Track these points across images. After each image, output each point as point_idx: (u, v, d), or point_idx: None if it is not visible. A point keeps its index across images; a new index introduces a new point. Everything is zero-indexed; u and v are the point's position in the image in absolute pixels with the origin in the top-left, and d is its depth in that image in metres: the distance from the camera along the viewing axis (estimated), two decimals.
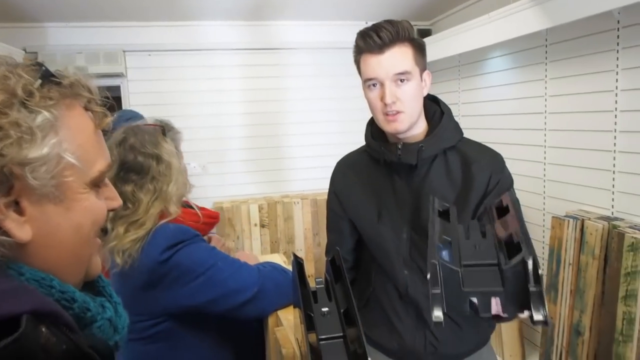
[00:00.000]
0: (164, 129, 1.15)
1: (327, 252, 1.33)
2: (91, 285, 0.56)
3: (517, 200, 1.10)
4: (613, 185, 2.05)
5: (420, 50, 1.10)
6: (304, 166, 3.50)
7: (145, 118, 2.75)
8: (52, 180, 0.47)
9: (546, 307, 0.66)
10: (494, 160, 1.15)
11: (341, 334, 0.73)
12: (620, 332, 1.80)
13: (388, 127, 1.10)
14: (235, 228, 3.19)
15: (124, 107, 3.25)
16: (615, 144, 2.02)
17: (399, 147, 1.11)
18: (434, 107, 1.18)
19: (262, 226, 3.24)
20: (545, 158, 2.42)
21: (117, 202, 0.56)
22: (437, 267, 0.68)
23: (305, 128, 3.50)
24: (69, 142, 0.48)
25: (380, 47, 1.06)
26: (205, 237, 1.29)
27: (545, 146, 2.42)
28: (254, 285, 1.04)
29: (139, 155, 1.05)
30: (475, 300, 0.69)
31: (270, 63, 3.42)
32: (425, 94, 1.13)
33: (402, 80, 1.06)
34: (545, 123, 2.41)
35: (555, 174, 2.38)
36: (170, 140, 1.12)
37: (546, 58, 2.37)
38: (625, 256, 1.79)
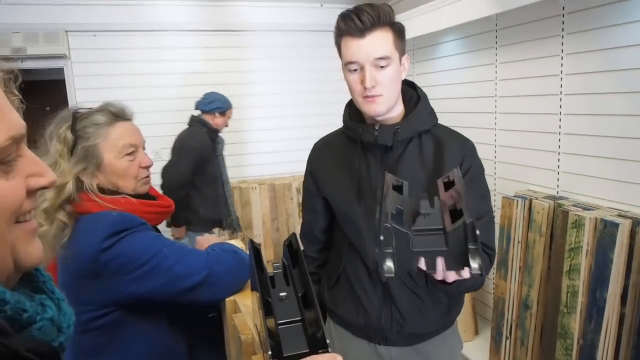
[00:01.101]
0: (74, 119, 1.08)
1: (303, 232, 1.35)
2: (29, 282, 0.50)
3: (488, 190, 1.20)
4: (558, 166, 2.15)
5: (400, 34, 1.12)
6: (261, 151, 3.46)
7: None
8: None
9: (482, 260, 0.74)
10: (466, 146, 1.19)
11: (300, 318, 0.73)
12: (565, 304, 1.91)
13: (367, 110, 1.12)
14: None
15: (68, 91, 3.09)
16: (560, 126, 2.11)
17: (377, 128, 1.14)
18: (410, 92, 1.21)
19: None
20: (496, 141, 2.50)
21: (47, 178, 0.48)
22: (389, 230, 0.74)
23: (262, 112, 3.45)
24: None
25: (362, 31, 1.07)
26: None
27: (496, 129, 2.50)
28: (202, 269, 1.02)
29: (44, 144, 1.06)
30: (422, 261, 0.78)
31: (227, 45, 3.34)
32: (403, 78, 1.16)
33: (382, 66, 1.08)
34: (496, 107, 2.49)
35: (505, 156, 2.46)
36: (65, 131, 1.07)
37: (496, 43, 2.44)
38: (569, 233, 1.89)
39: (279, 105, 3.47)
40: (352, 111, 1.23)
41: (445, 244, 0.77)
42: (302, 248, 0.82)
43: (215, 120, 2.86)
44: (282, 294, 0.76)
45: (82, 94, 3.08)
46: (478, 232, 0.74)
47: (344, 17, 1.09)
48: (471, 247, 0.75)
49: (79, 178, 1.06)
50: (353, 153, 1.21)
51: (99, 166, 1.07)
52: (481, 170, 1.19)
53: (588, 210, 1.89)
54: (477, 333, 2.69)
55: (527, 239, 2.14)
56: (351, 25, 1.06)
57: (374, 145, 1.16)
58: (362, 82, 1.09)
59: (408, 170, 1.14)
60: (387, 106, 1.12)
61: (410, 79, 2.42)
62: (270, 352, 0.67)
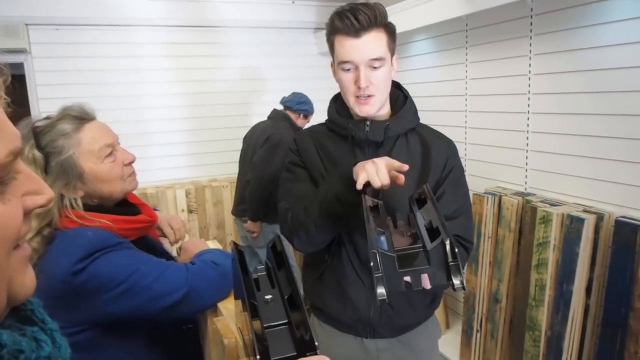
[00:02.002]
0: (35, 136, 0.99)
1: (288, 208, 1.24)
2: (15, 309, 0.43)
3: (466, 184, 1.24)
4: (526, 163, 2.21)
5: (392, 35, 1.13)
6: (233, 149, 3.41)
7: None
8: None
9: (463, 276, 0.80)
10: (449, 146, 1.23)
11: (286, 321, 0.73)
12: (533, 297, 1.97)
13: (359, 110, 1.14)
14: None
15: (28, 87, 2.96)
16: (528, 124, 2.17)
17: (367, 124, 1.15)
18: (397, 92, 1.24)
19: (190, 212, 3.13)
20: (466, 138, 2.56)
21: (45, 195, 0.42)
22: (376, 255, 0.79)
23: (234, 110, 3.40)
24: None
25: (358, 31, 1.07)
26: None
27: (466, 127, 2.55)
28: (182, 286, 0.99)
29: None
30: (408, 278, 0.81)
31: (198, 41, 3.27)
32: (392, 77, 1.18)
33: (375, 66, 1.09)
34: (466, 105, 2.54)
35: (475, 154, 2.52)
36: (30, 149, 0.98)
37: (467, 42, 2.48)
38: (537, 228, 1.95)
39: (250, 102, 3.44)
40: (339, 106, 1.24)
41: (427, 262, 0.82)
42: (286, 249, 0.81)
43: (298, 120, 2.81)
44: (267, 297, 0.76)
45: (43, 89, 2.96)
46: (456, 250, 0.79)
47: (340, 15, 1.09)
48: (451, 263, 0.80)
49: (60, 195, 0.98)
50: (340, 148, 1.21)
51: (81, 177, 0.99)
52: (462, 170, 1.24)
53: (555, 205, 1.96)
54: (448, 327, 2.74)
55: (497, 235, 2.20)
56: (347, 24, 1.07)
57: (362, 141, 1.17)
58: (356, 81, 1.10)
59: None
60: (379, 106, 1.15)
61: None
62: (258, 356, 0.66)
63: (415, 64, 2.91)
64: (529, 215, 2.03)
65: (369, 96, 1.12)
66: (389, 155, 1.16)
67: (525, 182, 2.22)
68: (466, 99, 2.53)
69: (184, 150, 3.31)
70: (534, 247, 1.97)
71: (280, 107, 2.85)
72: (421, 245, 0.85)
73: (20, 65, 2.92)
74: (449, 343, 2.54)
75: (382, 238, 0.86)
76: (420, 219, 0.91)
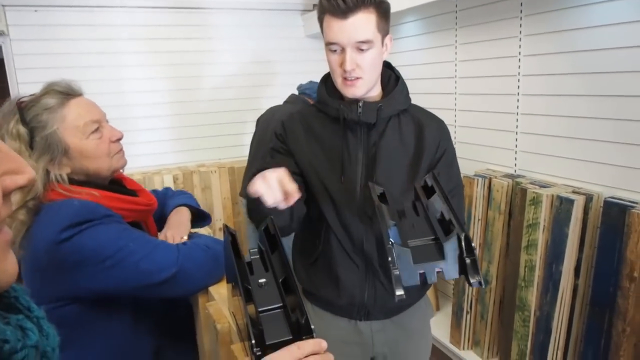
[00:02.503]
0: (20, 112, 0.98)
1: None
2: None
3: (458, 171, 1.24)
4: (516, 145, 2.21)
5: (384, 15, 1.10)
6: (220, 133, 3.37)
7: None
8: None
9: (480, 272, 0.78)
10: (442, 128, 1.23)
11: (281, 304, 0.71)
12: (522, 278, 1.99)
13: (345, 92, 1.12)
14: None
15: (7, 71, 2.87)
16: (518, 106, 2.17)
17: (360, 105, 1.13)
18: (388, 72, 1.22)
19: None
20: (455, 121, 2.55)
21: (25, 174, 0.40)
22: (393, 251, 0.78)
23: (221, 94, 3.34)
24: None
25: (344, 12, 1.04)
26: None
27: (455, 109, 2.54)
28: (171, 266, 0.96)
29: None
30: (423, 272, 0.80)
31: (183, 24, 3.19)
32: (385, 58, 1.16)
33: (363, 49, 1.07)
34: (455, 87, 2.52)
35: (465, 136, 2.51)
36: (14, 124, 0.97)
37: (456, 24, 2.46)
38: (527, 210, 1.96)
39: (237, 86, 3.38)
40: (329, 87, 1.21)
41: (441, 255, 0.80)
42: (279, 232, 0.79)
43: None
44: (261, 280, 0.74)
45: (23, 73, 2.87)
46: (473, 244, 0.78)
47: None
48: (467, 260, 0.78)
49: (46, 170, 0.96)
50: (329, 130, 1.19)
51: (66, 153, 0.97)
52: (454, 151, 1.24)
53: (544, 187, 1.97)
54: (438, 309, 2.77)
55: (487, 217, 2.20)
56: (334, 4, 1.04)
57: (354, 123, 1.15)
58: (342, 64, 1.08)
59: (389, 148, 1.16)
60: (366, 88, 1.13)
61: None
62: (253, 341, 0.65)
63: (404, 46, 2.88)
64: (518, 197, 2.03)
65: (356, 78, 1.10)
66: (381, 138, 1.16)
67: (515, 164, 2.22)
68: (456, 82, 2.51)
69: (170, 135, 3.25)
70: (523, 229, 1.98)
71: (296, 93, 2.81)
72: (433, 237, 0.83)
73: None
74: (439, 325, 2.56)
75: (395, 231, 0.84)
76: (431, 210, 0.90)
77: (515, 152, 2.22)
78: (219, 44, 3.30)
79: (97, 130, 1.01)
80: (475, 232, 2.24)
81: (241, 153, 3.28)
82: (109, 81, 3.04)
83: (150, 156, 3.19)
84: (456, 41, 2.47)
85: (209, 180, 3.17)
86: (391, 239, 0.79)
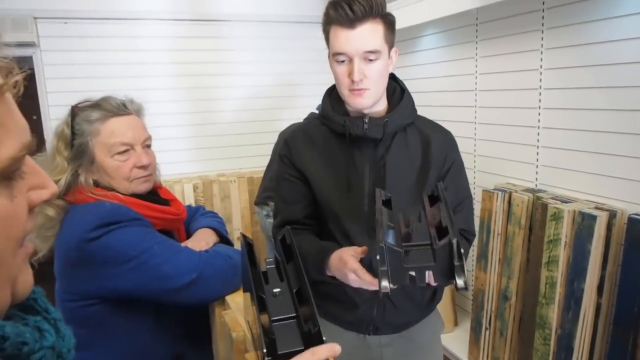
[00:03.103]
0: (72, 114, 1.08)
1: (282, 223, 1.26)
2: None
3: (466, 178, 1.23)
4: (537, 159, 2.18)
5: (391, 27, 1.10)
6: (240, 144, 3.41)
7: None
8: None
9: (466, 276, 0.82)
10: (449, 140, 1.21)
11: (294, 314, 0.72)
12: (543, 295, 1.94)
13: (352, 103, 1.10)
14: None
15: (37, 80, 2.96)
16: (539, 120, 2.14)
17: (365, 121, 1.11)
18: (393, 84, 1.20)
19: None
20: (475, 134, 2.53)
21: (49, 190, 0.41)
22: (384, 249, 0.81)
23: (242, 104, 3.39)
24: None
25: (352, 22, 1.04)
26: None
27: (475, 122, 2.52)
28: (192, 271, 0.99)
29: None
30: (413, 273, 0.84)
31: (205, 35, 3.25)
32: (391, 70, 1.14)
33: (371, 59, 1.06)
34: (475, 100, 2.51)
35: (485, 149, 2.49)
36: (64, 127, 1.07)
37: (477, 37, 2.45)
38: (548, 225, 1.92)
39: (257, 97, 3.42)
40: (334, 102, 1.20)
41: (433, 259, 0.84)
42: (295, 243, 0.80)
43: None
44: (275, 290, 0.74)
45: (52, 83, 2.96)
46: (462, 251, 0.82)
47: (334, 5, 1.05)
48: (456, 263, 0.82)
49: (76, 171, 1.04)
50: (335, 145, 1.18)
51: (92, 163, 1.05)
52: (462, 163, 1.24)
53: (566, 202, 1.93)
54: (456, 324, 2.72)
55: (507, 231, 2.17)
56: (341, 14, 1.03)
57: (359, 138, 1.14)
58: (350, 74, 1.07)
59: (396, 163, 1.14)
60: (373, 100, 1.11)
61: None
62: (264, 350, 0.65)
63: (423, 59, 2.88)
64: (539, 212, 2.00)
65: (363, 89, 1.08)
66: (387, 153, 1.15)
67: (536, 179, 2.19)
68: (476, 94, 2.49)
69: (190, 144, 3.30)
70: (544, 244, 1.94)
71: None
72: (429, 242, 0.86)
73: (29, 59, 2.93)
74: (457, 341, 2.52)
75: (391, 233, 0.87)
76: (431, 217, 0.93)
77: (537, 166, 2.18)
78: (239, 55, 3.36)
79: (124, 152, 1.06)
80: (495, 247, 2.21)
81: (260, 163, 3.30)
82: (132, 91, 3.07)
83: (171, 165, 3.24)
84: (477, 54, 2.46)
85: (228, 190, 3.20)
86: (385, 240, 0.82)
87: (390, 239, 0.85)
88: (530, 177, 2.22)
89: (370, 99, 1.10)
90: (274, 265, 0.80)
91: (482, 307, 2.29)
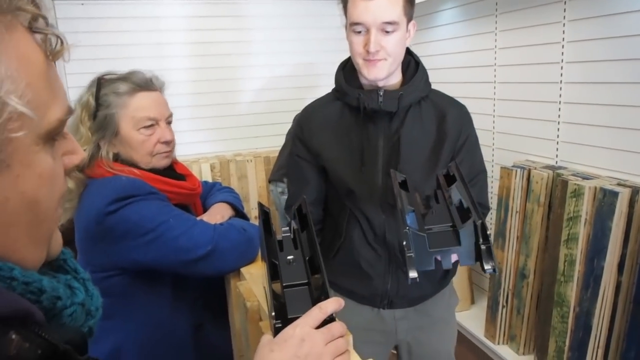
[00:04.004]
0: (98, 84, 1.08)
1: (289, 206, 1.29)
2: (48, 260, 0.45)
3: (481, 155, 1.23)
4: (558, 136, 2.13)
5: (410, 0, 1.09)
6: (256, 123, 3.41)
7: None
8: None
9: (494, 259, 0.80)
10: (464, 114, 1.20)
11: (306, 281, 0.72)
12: (562, 273, 1.92)
13: (366, 73, 1.09)
14: None
15: (56, 63, 3.00)
16: (560, 95, 2.09)
17: (380, 94, 1.10)
18: (407, 58, 1.19)
19: None
20: (494, 111, 2.48)
21: (79, 155, 0.44)
22: (408, 235, 0.81)
23: (258, 84, 3.39)
24: (14, 81, 0.35)
25: None
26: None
27: (494, 99, 2.47)
28: (207, 243, 1.01)
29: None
30: (438, 257, 0.83)
31: (224, 14, 3.24)
32: (407, 44, 1.13)
33: (388, 30, 1.05)
34: (494, 76, 2.45)
35: (503, 126, 2.44)
36: (88, 97, 1.07)
37: (496, 10, 2.38)
38: (568, 202, 1.89)
39: (273, 76, 3.41)
40: (347, 76, 1.18)
41: (457, 242, 0.83)
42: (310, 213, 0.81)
43: None
44: (289, 257, 0.75)
45: (71, 65, 2.98)
46: (488, 232, 0.81)
47: None
48: (482, 246, 0.81)
49: (97, 144, 1.05)
50: (348, 119, 1.17)
51: (116, 136, 1.06)
52: (476, 137, 1.23)
53: (587, 179, 1.89)
54: (472, 302, 2.72)
55: (525, 209, 2.14)
56: None
57: (374, 112, 1.13)
58: (366, 45, 1.06)
59: (410, 137, 1.14)
60: (388, 72, 1.10)
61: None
62: (273, 313, 0.66)
63: (440, 35, 2.82)
64: (559, 189, 1.96)
65: (378, 60, 1.07)
66: (402, 126, 1.14)
67: (556, 155, 2.15)
68: (495, 70, 2.44)
69: (208, 124, 3.32)
70: (563, 222, 1.91)
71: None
72: (451, 224, 0.85)
73: None
74: (474, 319, 2.52)
75: (412, 216, 0.86)
76: (448, 197, 0.92)
77: (557, 142, 2.14)
78: (256, 34, 3.34)
79: (150, 126, 1.07)
80: (513, 225, 2.19)
81: (276, 143, 3.30)
82: (153, 72, 3.13)
83: (189, 145, 3.27)
84: (496, 28, 2.40)
85: (245, 169, 3.23)
86: (408, 224, 0.81)
87: (413, 223, 0.85)
88: (551, 153, 2.17)
89: (384, 71, 1.09)
90: (289, 234, 0.81)
91: (499, 285, 2.28)
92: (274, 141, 3.33)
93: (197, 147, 3.30)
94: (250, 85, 3.37)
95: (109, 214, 0.96)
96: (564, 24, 2.02)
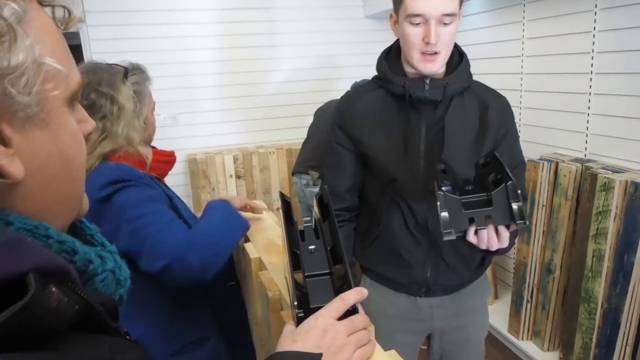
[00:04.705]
0: (126, 72, 1.09)
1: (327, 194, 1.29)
2: (76, 234, 0.46)
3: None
4: (587, 128, 2.07)
5: None
6: (279, 115, 3.42)
7: None
8: (35, 96, 0.36)
9: (525, 215, 0.87)
10: (506, 106, 1.21)
11: (328, 271, 0.72)
12: (589, 268, 1.88)
13: (422, 67, 1.09)
14: (210, 180, 3.13)
15: (84, 55, 3.06)
16: (591, 86, 2.02)
17: (427, 82, 1.11)
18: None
19: (238, 177, 3.19)
20: (521, 102, 2.42)
21: (91, 124, 0.46)
22: (442, 196, 0.89)
23: (281, 76, 3.39)
24: (42, 45, 0.37)
25: None
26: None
27: (521, 90, 2.42)
28: (166, 255, 0.93)
29: (93, 92, 1.02)
30: (472, 217, 0.90)
31: (248, 6, 3.25)
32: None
33: (446, 22, 1.05)
34: (522, 67, 2.40)
35: (530, 118, 2.39)
36: (129, 84, 1.08)
37: None
38: (597, 196, 1.84)
39: (295, 68, 3.41)
40: (391, 64, 1.18)
41: (490, 204, 0.90)
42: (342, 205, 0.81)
43: None
44: (311, 247, 0.75)
45: (98, 58, 3.05)
46: (519, 191, 0.86)
47: None
48: (514, 205, 0.88)
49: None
50: (390, 107, 1.18)
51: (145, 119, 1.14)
52: (516, 129, 1.24)
53: (617, 172, 1.84)
54: (496, 297, 2.68)
55: (552, 203, 2.10)
56: None
57: (421, 100, 1.13)
58: (424, 37, 1.06)
59: (453, 126, 1.15)
60: (442, 64, 1.11)
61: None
62: (295, 302, 0.66)
63: (467, 25, 2.76)
64: (588, 183, 1.91)
65: (435, 53, 1.07)
66: (445, 115, 1.15)
67: (585, 148, 2.09)
68: (522, 60, 2.38)
69: (231, 116, 3.35)
70: (592, 216, 1.86)
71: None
72: (486, 194, 0.92)
73: (76, 35, 3.02)
74: (498, 313, 2.48)
75: (448, 186, 0.92)
76: (485, 175, 0.98)
77: (586, 135, 2.08)
78: (279, 27, 3.34)
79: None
80: (539, 219, 2.14)
81: (298, 135, 3.31)
82: (176, 64, 3.17)
83: (212, 137, 3.31)
84: (524, 17, 2.34)
85: (268, 161, 3.24)
86: (443, 190, 0.88)
87: (448, 190, 0.91)
88: (579, 146, 2.11)
89: (440, 64, 1.09)
90: (311, 224, 0.81)
91: (524, 280, 2.24)
92: (296, 133, 3.34)
93: (220, 139, 3.33)
94: (273, 77, 3.38)
95: (102, 200, 0.96)
96: (595, 13, 1.96)
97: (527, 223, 0.85)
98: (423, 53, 1.07)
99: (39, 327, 0.33)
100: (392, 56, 1.19)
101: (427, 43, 1.04)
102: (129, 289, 0.47)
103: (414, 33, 1.06)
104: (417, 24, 1.05)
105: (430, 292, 1.24)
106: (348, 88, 1.33)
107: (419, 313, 1.26)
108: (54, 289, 0.33)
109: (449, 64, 1.16)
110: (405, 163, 1.15)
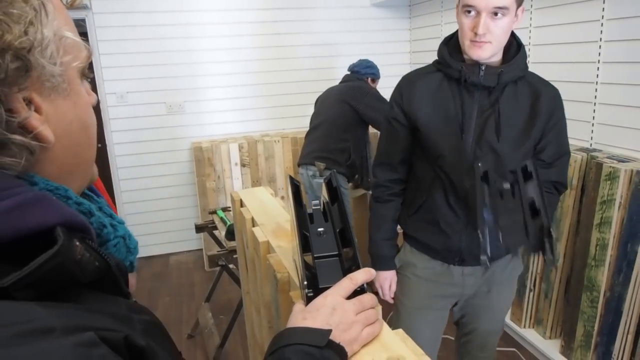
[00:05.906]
0: None
1: (378, 162, 1.40)
2: None
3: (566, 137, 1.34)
4: (593, 117, 2.07)
5: None
6: (284, 104, 3.43)
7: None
8: (59, 67, 0.39)
9: (556, 254, 0.98)
10: (557, 97, 1.27)
11: (337, 253, 0.73)
12: (593, 257, 1.89)
13: (471, 53, 1.17)
14: (215, 168, 3.15)
15: (90, 42, 3.07)
16: (597, 75, 2.02)
17: (482, 68, 1.19)
18: (510, 39, 1.25)
19: (243, 165, 3.21)
20: None
21: (94, 96, 0.49)
22: (485, 230, 1.05)
23: (286, 65, 3.39)
24: (58, 21, 0.40)
25: None
26: None
27: None
28: None
29: None
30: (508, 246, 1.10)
31: None
32: (514, 27, 1.19)
33: (497, 15, 1.11)
34: (528, 55, 2.38)
35: None
36: None
37: None
38: (602, 185, 1.84)
39: (301, 57, 3.41)
40: (451, 50, 1.26)
41: (526, 237, 1.04)
42: (341, 185, 0.82)
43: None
44: (320, 229, 0.76)
45: (104, 45, 3.07)
46: (553, 234, 1.02)
47: None
48: (547, 244, 1.03)
49: None
50: (446, 90, 1.26)
51: None
52: (565, 121, 1.31)
53: (623, 162, 1.84)
54: None
55: None
56: None
57: (473, 85, 1.21)
58: (474, 27, 1.13)
59: (505, 112, 1.22)
60: (491, 53, 1.17)
61: (437, 29, 2.40)
62: (305, 282, 0.68)
63: None
64: (593, 172, 1.92)
65: (484, 42, 1.14)
66: (497, 101, 1.23)
67: (591, 138, 2.09)
68: (529, 49, 2.37)
69: (236, 105, 3.36)
70: (597, 205, 1.87)
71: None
72: (523, 220, 1.04)
73: (82, 22, 3.03)
74: None
75: (488, 211, 1.04)
76: (525, 193, 1.08)
77: (592, 124, 2.08)
78: (284, 14, 3.33)
79: None
80: None
81: (304, 123, 3.32)
82: (184, 52, 3.18)
83: (217, 125, 3.32)
84: (532, 6, 2.32)
85: (272, 150, 3.26)
86: (485, 217, 0.99)
87: (488, 216, 1.04)
88: (585, 135, 2.11)
89: (488, 52, 1.15)
90: (320, 207, 0.82)
91: (527, 268, 2.25)
92: (300, 122, 3.35)
93: (225, 127, 3.34)
94: (279, 65, 3.38)
95: None
96: (603, 1, 1.95)
97: (555, 264, 1.01)
98: (473, 41, 1.15)
99: (65, 278, 0.35)
100: (454, 43, 1.26)
101: (476, 33, 1.12)
102: (136, 256, 0.49)
103: (466, 22, 1.15)
104: (470, 13, 1.13)
105: (464, 261, 1.33)
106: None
107: (451, 279, 1.36)
108: (77, 243, 0.36)
109: (506, 53, 1.23)
110: (453, 141, 1.24)
